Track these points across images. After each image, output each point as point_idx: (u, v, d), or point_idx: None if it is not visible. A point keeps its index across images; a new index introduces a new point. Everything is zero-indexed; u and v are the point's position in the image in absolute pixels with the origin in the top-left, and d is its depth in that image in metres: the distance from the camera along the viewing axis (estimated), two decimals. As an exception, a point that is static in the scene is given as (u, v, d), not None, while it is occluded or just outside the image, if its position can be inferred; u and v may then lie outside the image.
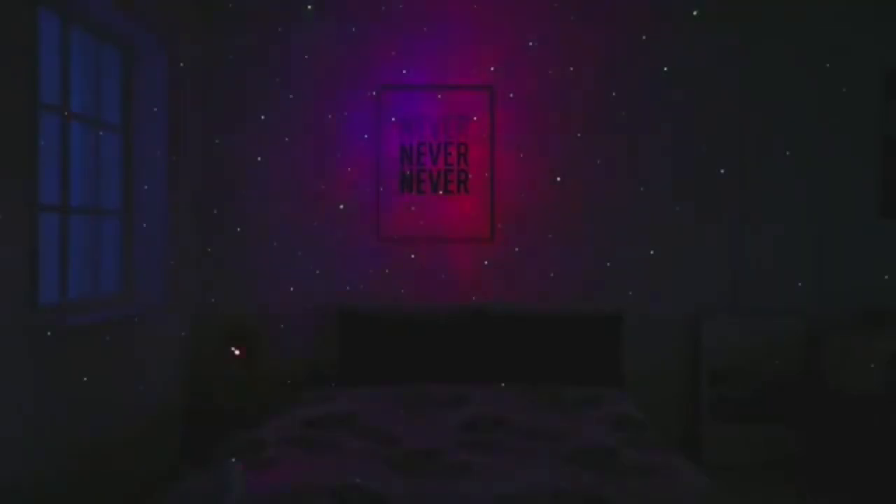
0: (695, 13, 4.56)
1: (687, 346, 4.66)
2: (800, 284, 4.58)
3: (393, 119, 4.60)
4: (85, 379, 3.22)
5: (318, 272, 4.59)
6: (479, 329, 4.45)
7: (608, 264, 4.61)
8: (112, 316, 3.53)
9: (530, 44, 4.58)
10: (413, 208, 4.62)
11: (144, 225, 4.05)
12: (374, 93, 4.61)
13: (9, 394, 2.71)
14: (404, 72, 4.59)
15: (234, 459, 2.48)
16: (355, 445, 3.07)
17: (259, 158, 4.57)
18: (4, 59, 2.67)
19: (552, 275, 4.61)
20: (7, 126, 2.70)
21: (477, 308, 4.53)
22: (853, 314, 4.51)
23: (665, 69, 4.57)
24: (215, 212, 4.58)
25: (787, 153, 4.58)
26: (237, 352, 4.36)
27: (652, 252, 4.58)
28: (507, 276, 4.63)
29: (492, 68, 4.61)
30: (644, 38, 4.56)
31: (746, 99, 4.62)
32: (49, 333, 2.93)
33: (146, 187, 4.05)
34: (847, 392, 4.22)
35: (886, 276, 4.44)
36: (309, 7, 4.53)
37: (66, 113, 3.40)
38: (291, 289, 4.57)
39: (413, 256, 4.62)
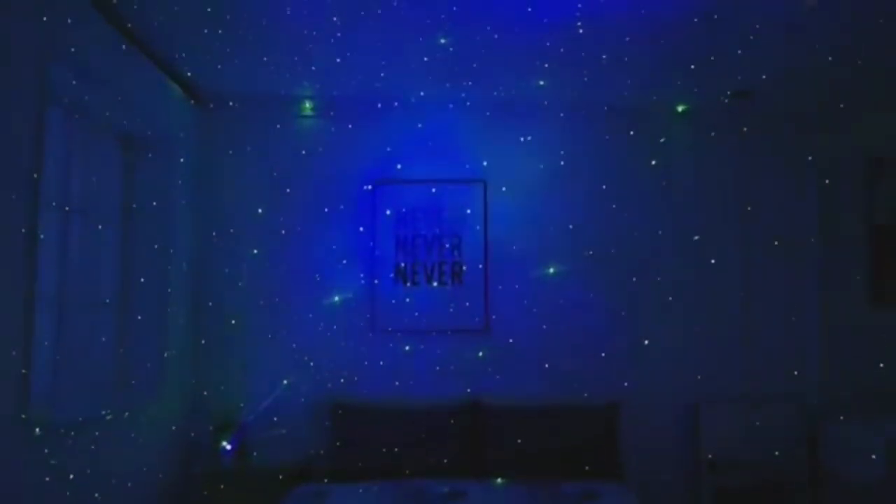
0: (680, 109, 4.73)
1: (686, 434, 4.60)
2: (796, 372, 4.57)
3: (388, 212, 4.68)
4: (71, 476, 3.14)
5: (312, 364, 4.56)
6: (474, 422, 4.39)
7: (603, 354, 4.60)
8: (104, 409, 3.47)
9: (522, 139, 4.72)
10: (408, 300, 4.63)
11: (139, 317, 4.04)
12: (370, 186, 4.70)
13: (-6, 492, 2.64)
14: (399, 166, 4.69)
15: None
16: (349, 544, 2.98)
17: (255, 251, 4.61)
18: (11, 158, 2.73)
19: (547, 366, 4.59)
20: (8, 222, 2.73)
21: (472, 400, 4.48)
22: (851, 400, 4.49)
23: (653, 162, 4.69)
24: (210, 304, 4.58)
25: (776, 243, 4.66)
26: (228, 446, 4.27)
27: (647, 342, 4.58)
28: (503, 368, 4.60)
29: (485, 163, 4.72)
30: (632, 132, 4.70)
31: (736, 190, 4.73)
32: (38, 430, 2.88)
33: (142, 279, 4.07)
34: (847, 481, 4.15)
35: (882, 365, 4.43)
36: (307, 104, 4.68)
37: (66, 208, 3.45)
38: (285, 381, 4.53)
39: (408, 348, 4.61)
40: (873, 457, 4.02)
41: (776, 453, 4.39)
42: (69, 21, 3.05)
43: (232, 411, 4.41)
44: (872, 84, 4.36)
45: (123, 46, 3.59)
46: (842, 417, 4.35)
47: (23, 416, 2.78)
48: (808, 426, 4.49)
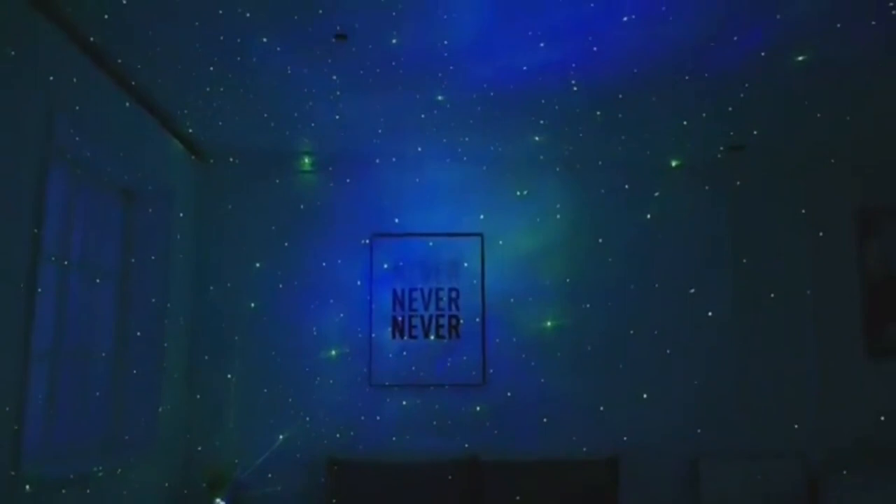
0: (674, 164, 4.80)
1: (686, 489, 4.53)
2: (796, 426, 4.53)
3: (385, 266, 4.69)
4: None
5: (308, 419, 4.51)
6: (473, 477, 4.33)
7: (602, 408, 4.56)
8: (96, 465, 3.42)
9: (518, 193, 4.77)
10: (405, 354, 4.62)
11: (134, 371, 4.01)
12: (367, 240, 4.72)
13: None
14: (396, 220, 4.73)
15: None
16: None
17: (252, 304, 4.61)
18: (12, 212, 2.75)
19: (545, 420, 4.55)
20: (7, 276, 2.74)
21: (471, 455, 4.43)
22: (852, 454, 4.44)
23: (648, 216, 4.74)
24: (207, 357, 4.55)
25: (772, 295, 4.67)
26: (222, 503, 4.20)
27: (645, 395, 4.55)
28: (501, 422, 4.56)
29: (482, 216, 4.76)
30: (627, 186, 4.75)
31: (731, 243, 4.77)
32: (28, 487, 2.83)
33: (139, 333, 4.05)
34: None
35: (882, 417, 4.40)
36: (306, 160, 4.74)
37: (65, 262, 3.46)
38: (281, 436, 4.48)
39: (405, 403, 4.57)
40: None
41: (779, 509, 4.33)
42: (74, 79, 3.11)
43: (226, 467, 4.35)
44: (864, 138, 4.43)
45: (126, 104, 3.65)
46: (844, 471, 4.30)
47: (12, 473, 2.74)
48: (809, 480, 4.43)
